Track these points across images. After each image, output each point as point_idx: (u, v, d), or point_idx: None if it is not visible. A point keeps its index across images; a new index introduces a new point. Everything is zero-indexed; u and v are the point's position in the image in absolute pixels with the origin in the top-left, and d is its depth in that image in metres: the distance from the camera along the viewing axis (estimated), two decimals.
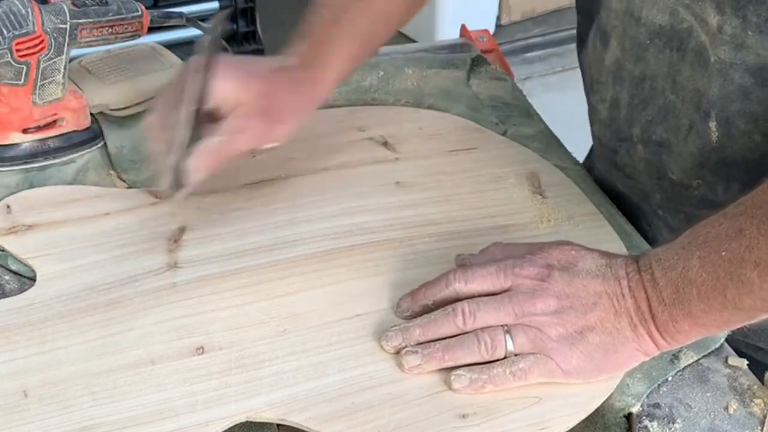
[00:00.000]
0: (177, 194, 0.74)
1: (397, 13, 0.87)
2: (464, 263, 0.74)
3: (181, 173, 0.73)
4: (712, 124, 0.74)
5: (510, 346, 0.66)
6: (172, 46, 1.02)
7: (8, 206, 0.80)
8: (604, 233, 0.83)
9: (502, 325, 0.67)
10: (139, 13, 0.89)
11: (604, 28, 0.81)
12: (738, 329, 0.69)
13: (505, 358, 0.66)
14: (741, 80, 0.71)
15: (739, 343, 0.78)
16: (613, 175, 0.89)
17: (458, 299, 0.69)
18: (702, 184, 0.78)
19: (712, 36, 0.71)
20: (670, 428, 0.67)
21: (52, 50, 0.82)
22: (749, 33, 0.68)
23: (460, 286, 0.69)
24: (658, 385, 0.70)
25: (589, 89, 0.88)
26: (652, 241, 0.86)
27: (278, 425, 0.65)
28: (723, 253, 0.62)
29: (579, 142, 1.08)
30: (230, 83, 0.74)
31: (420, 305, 0.71)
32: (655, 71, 0.77)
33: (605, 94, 0.84)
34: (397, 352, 0.68)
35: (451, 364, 0.67)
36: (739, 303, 0.62)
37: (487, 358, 0.66)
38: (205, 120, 0.74)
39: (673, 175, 0.80)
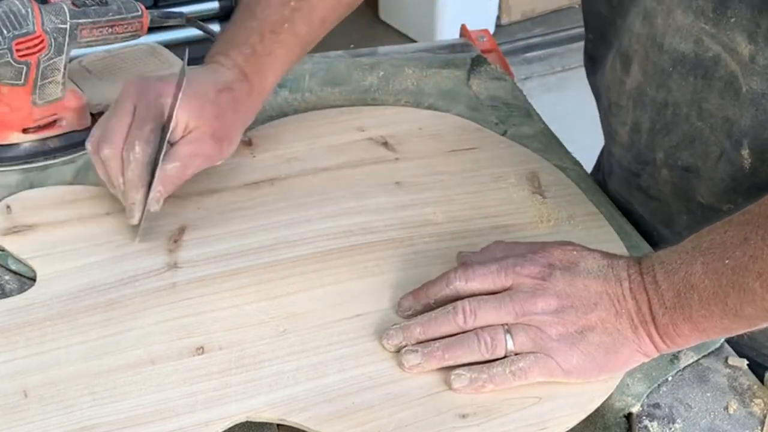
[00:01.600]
0: (140, 225, 0.77)
1: (334, 16, 0.88)
2: (465, 261, 0.74)
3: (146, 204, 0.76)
4: (745, 152, 0.73)
5: (510, 345, 0.66)
6: (172, 46, 1.02)
7: (8, 206, 0.80)
8: (604, 233, 0.83)
9: (502, 324, 0.67)
10: (139, 13, 0.89)
11: (625, 51, 0.80)
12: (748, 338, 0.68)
13: (505, 357, 0.66)
14: None
15: (745, 348, 0.77)
16: (633, 196, 0.88)
17: (459, 298, 0.69)
18: (734, 208, 0.76)
19: (743, 66, 0.69)
20: (670, 428, 0.67)
21: (52, 50, 0.82)
22: None
23: (461, 284, 0.69)
24: (658, 385, 0.70)
25: (608, 111, 0.86)
26: None
27: (278, 425, 0.65)
28: (726, 261, 0.62)
29: (579, 142, 1.08)
30: (183, 111, 0.76)
31: (422, 304, 0.71)
32: (679, 98, 0.76)
33: (625, 117, 0.83)
34: (398, 351, 0.68)
35: (451, 363, 0.67)
36: (740, 311, 0.62)
37: (488, 356, 0.66)
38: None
39: (702, 199, 0.79)
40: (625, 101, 0.82)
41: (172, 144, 0.77)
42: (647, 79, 0.78)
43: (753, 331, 0.66)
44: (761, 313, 0.62)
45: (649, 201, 0.86)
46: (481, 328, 0.67)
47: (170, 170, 0.76)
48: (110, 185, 0.78)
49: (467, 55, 1.09)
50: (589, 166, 0.96)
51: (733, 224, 0.63)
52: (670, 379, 0.71)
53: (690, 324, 0.64)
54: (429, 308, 0.70)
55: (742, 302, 0.62)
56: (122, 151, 0.75)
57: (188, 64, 0.77)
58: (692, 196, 0.80)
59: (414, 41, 2.68)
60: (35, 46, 0.81)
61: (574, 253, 0.69)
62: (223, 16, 2.36)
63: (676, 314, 0.64)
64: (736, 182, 0.75)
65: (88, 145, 0.77)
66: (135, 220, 0.76)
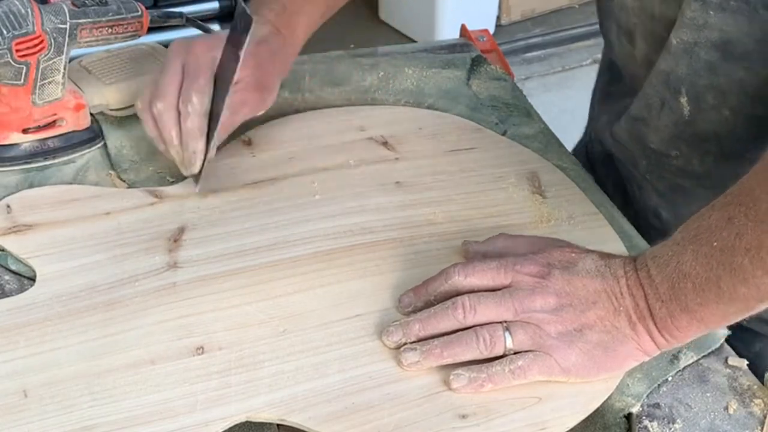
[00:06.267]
0: (200, 174, 0.80)
1: None
2: (468, 248, 0.76)
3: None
4: (683, 100, 0.77)
5: (509, 343, 0.66)
6: None
7: (8, 206, 0.80)
8: (604, 233, 0.83)
9: (501, 322, 0.67)
10: (139, 13, 0.89)
11: (626, 26, 0.83)
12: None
13: (504, 356, 0.67)
14: (707, 56, 0.73)
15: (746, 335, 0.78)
16: (608, 141, 0.93)
17: (458, 294, 0.69)
18: (679, 155, 0.82)
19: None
20: (670, 428, 0.67)
21: (51, 50, 0.82)
22: (710, 13, 0.71)
23: (460, 279, 0.69)
24: (658, 385, 0.70)
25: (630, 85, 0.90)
26: (643, 207, 0.91)
27: (278, 425, 0.65)
28: (715, 244, 0.63)
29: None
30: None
31: (422, 300, 0.71)
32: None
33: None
34: (398, 348, 0.68)
35: (450, 360, 0.67)
36: (734, 293, 0.63)
37: (486, 354, 0.67)
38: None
39: (653, 145, 0.84)
40: (639, 71, 0.85)
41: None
42: (649, 48, 0.81)
43: (750, 317, 0.66)
44: (754, 292, 0.63)
45: (616, 144, 0.90)
46: (480, 325, 0.67)
47: (221, 119, 0.78)
48: (159, 140, 0.81)
49: (467, 55, 1.09)
50: None
51: (716, 208, 0.64)
52: (670, 379, 0.71)
53: (687, 314, 0.65)
54: (430, 304, 0.70)
55: (734, 282, 0.62)
56: (177, 104, 0.78)
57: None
58: (645, 142, 0.85)
59: (414, 41, 2.68)
60: (35, 46, 0.81)
61: (573, 255, 0.70)
62: (223, 16, 2.36)
63: (673, 305, 0.65)
64: (678, 130, 0.80)
65: (139, 103, 0.82)
66: (196, 169, 0.80)
